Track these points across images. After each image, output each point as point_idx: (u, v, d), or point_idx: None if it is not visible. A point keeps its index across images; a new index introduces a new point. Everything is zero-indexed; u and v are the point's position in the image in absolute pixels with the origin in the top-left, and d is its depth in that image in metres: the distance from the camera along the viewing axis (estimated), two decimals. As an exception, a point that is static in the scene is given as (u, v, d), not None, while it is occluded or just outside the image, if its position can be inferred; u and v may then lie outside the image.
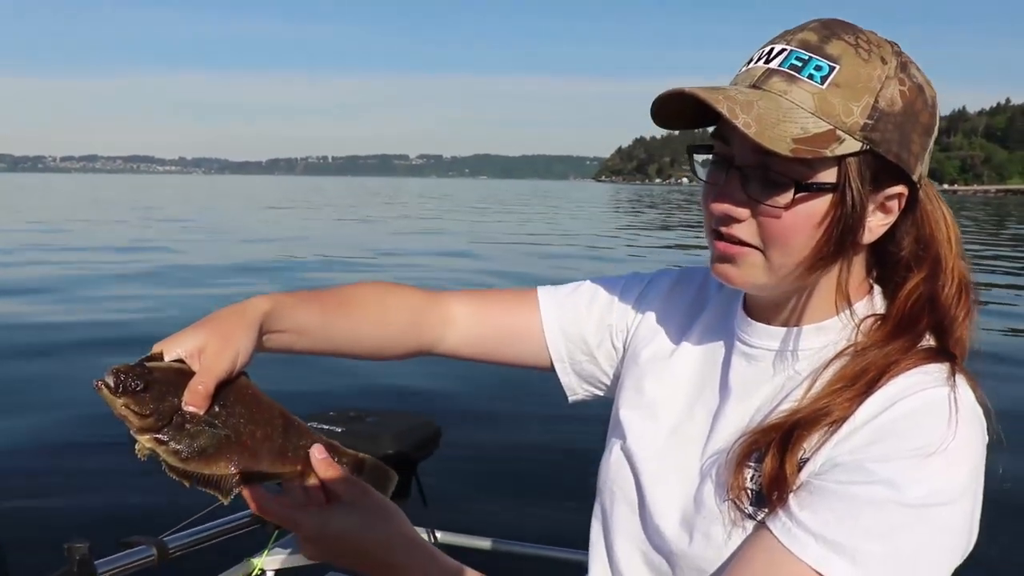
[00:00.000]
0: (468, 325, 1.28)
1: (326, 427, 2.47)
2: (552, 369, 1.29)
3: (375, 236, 25.64)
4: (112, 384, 0.86)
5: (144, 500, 3.91)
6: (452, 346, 1.29)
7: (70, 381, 6.57)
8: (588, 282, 1.31)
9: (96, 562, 1.92)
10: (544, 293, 1.30)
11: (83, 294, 12.00)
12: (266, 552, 2.50)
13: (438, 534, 2.59)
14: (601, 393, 1.31)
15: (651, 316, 1.24)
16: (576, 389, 1.31)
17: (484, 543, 2.63)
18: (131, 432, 0.88)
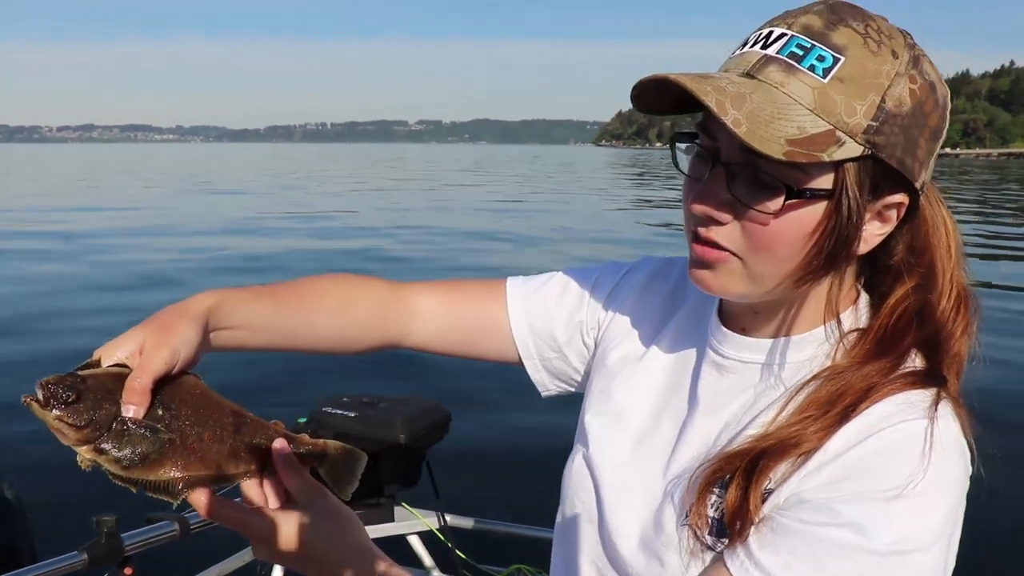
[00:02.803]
0: (435, 319, 1.21)
1: (340, 412, 2.55)
2: (522, 365, 1.23)
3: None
4: (41, 398, 0.80)
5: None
6: (419, 341, 1.22)
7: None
8: (560, 274, 1.24)
9: (122, 535, 2.02)
10: (512, 286, 1.22)
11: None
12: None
13: (447, 517, 2.64)
14: (573, 389, 1.24)
15: (623, 314, 1.17)
16: (548, 385, 1.24)
17: (493, 526, 2.70)
18: (68, 445, 0.83)
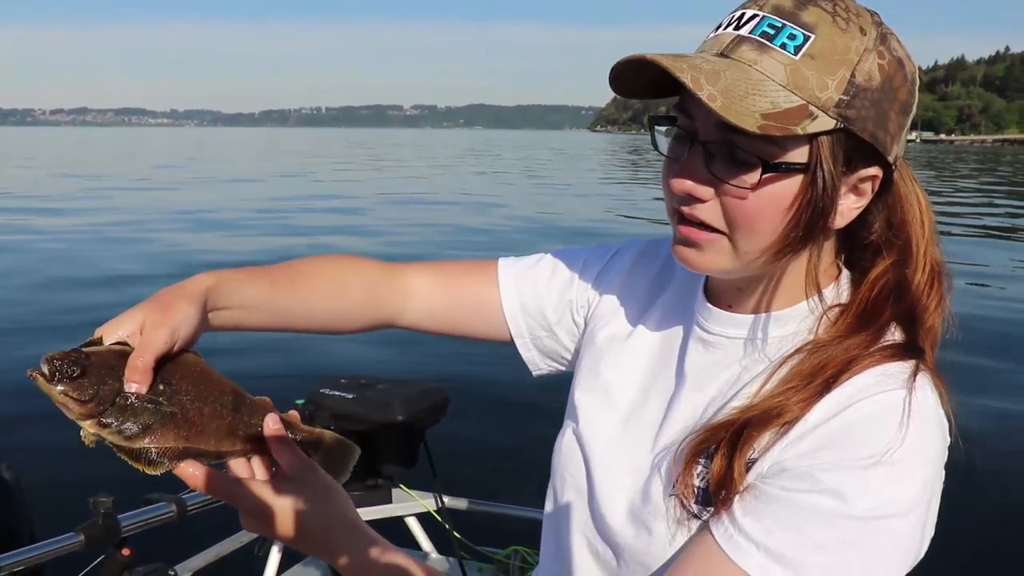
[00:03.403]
0: (428, 299, 1.24)
1: (338, 393, 2.54)
2: (513, 344, 1.25)
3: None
4: (47, 373, 0.82)
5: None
6: (412, 320, 1.25)
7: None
8: (550, 255, 1.26)
9: (119, 516, 2.02)
10: (504, 267, 1.25)
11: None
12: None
13: (445, 499, 2.65)
14: (563, 368, 1.27)
15: (611, 293, 1.20)
16: (539, 364, 1.27)
17: (491, 508, 2.71)
18: (73, 419, 0.85)
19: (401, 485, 2.69)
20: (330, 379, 2.63)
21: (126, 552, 2.08)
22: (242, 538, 2.60)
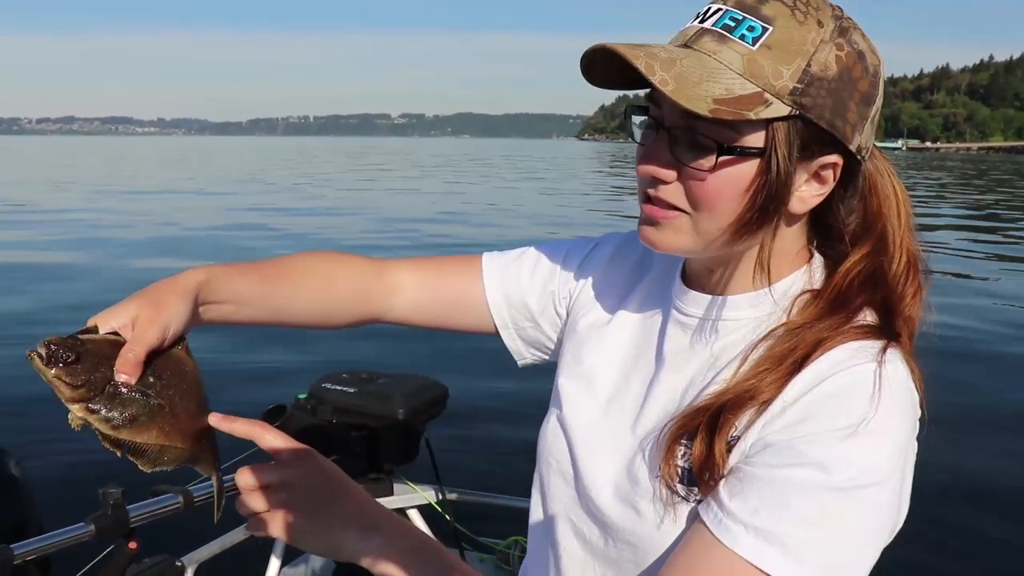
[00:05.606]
0: (414, 293, 1.28)
1: (339, 388, 2.58)
2: (498, 335, 1.30)
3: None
4: (44, 355, 0.86)
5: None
6: (399, 315, 1.29)
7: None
8: (533, 248, 1.31)
9: (128, 507, 2.03)
10: (488, 260, 1.30)
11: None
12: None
13: (446, 491, 2.69)
14: (547, 357, 1.31)
15: (592, 283, 1.24)
16: (524, 354, 1.31)
17: (491, 499, 2.74)
18: (63, 402, 0.88)
19: (402, 478, 2.73)
20: (331, 374, 2.66)
21: (133, 546, 2.11)
22: (247, 529, 2.63)
